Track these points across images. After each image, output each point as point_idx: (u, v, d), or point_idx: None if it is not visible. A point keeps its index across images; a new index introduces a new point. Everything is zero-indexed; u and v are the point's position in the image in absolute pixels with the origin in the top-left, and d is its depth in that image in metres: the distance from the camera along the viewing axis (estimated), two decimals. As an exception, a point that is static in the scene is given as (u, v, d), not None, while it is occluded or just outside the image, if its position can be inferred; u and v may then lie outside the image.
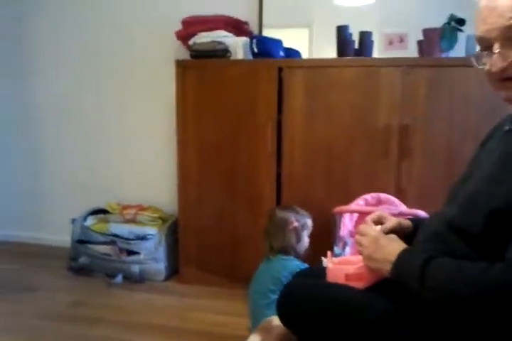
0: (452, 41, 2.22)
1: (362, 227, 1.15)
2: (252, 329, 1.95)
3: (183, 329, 2.10)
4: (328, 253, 1.26)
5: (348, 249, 2.08)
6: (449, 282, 0.91)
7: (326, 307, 1.06)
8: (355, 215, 2.18)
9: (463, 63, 2.14)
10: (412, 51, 2.42)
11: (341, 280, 1.13)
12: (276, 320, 1.14)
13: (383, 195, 2.16)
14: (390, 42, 2.56)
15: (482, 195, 0.96)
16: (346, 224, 2.15)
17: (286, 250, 1.97)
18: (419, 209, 2.03)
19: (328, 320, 1.04)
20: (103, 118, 3.08)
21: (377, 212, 1.22)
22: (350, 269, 1.13)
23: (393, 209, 1.89)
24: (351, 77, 2.28)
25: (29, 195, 3.27)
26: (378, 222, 1.19)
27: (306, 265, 1.96)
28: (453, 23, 2.23)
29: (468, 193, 1.02)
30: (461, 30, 2.21)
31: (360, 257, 1.13)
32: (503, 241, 0.90)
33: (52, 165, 3.21)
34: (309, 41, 2.68)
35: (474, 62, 1.03)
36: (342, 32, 2.41)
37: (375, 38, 2.43)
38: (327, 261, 1.22)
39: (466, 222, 0.97)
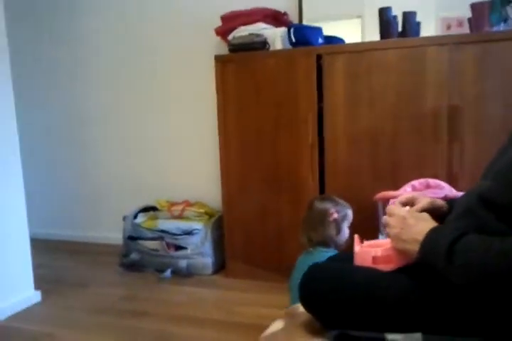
0: (502, 15, 2.08)
1: (389, 208, 1.08)
2: None
3: (230, 323, 2.08)
4: (356, 236, 1.19)
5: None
6: (478, 258, 0.84)
7: (347, 289, 0.99)
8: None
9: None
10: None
11: (368, 264, 1.06)
12: (301, 307, 1.08)
13: (432, 181, 2.04)
14: (448, 27, 2.43)
15: None
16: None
17: (325, 242, 1.90)
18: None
19: (349, 302, 0.98)
20: (147, 118, 3.15)
21: (407, 194, 1.14)
22: (378, 251, 1.06)
23: (439, 192, 1.77)
24: (395, 60, 2.18)
25: (83, 196, 3.40)
26: (408, 203, 1.12)
27: None
28: (502, -5, 2.08)
29: (500, 167, 0.96)
30: (511, 2, 2.05)
31: (389, 240, 1.05)
32: None
33: (103, 166, 3.32)
34: (362, 32, 2.59)
35: None
36: (385, 13, 2.32)
37: (432, 23, 2.33)
38: (355, 245, 1.15)
39: (497, 195, 0.91)
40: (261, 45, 2.48)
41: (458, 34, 2.17)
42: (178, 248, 2.66)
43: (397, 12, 2.31)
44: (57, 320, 2.17)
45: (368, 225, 2.05)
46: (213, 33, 2.70)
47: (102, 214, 3.35)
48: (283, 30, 2.48)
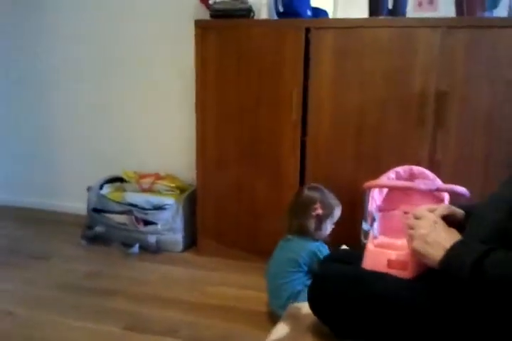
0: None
1: (418, 210, 1.03)
2: (271, 306, 1.88)
3: (204, 304, 2.02)
4: (370, 233, 1.14)
5: (376, 225, 1.95)
6: (509, 276, 0.80)
7: (362, 301, 0.93)
8: (385, 189, 2.04)
9: (508, 23, 1.97)
10: (441, 13, 2.27)
11: (382, 266, 1.01)
12: (305, 308, 1.03)
13: (416, 168, 2.01)
14: (420, 4, 2.38)
15: None
16: (375, 198, 2.01)
17: (303, 232, 1.87)
18: (454, 182, 1.89)
19: (368, 315, 0.93)
20: (119, 83, 2.94)
21: (426, 205, 1.08)
22: (393, 255, 1.01)
23: (430, 184, 1.74)
24: (385, 39, 2.10)
25: (43, 160, 3.20)
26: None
27: (325, 246, 1.86)
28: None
29: None
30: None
31: (405, 242, 1.00)
32: None
33: (68, 130, 3.11)
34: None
35: None
36: (375, -11, 2.21)
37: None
38: (367, 241, 1.10)
39: None
40: (246, 12, 2.34)
41: (451, 17, 2.10)
42: (148, 223, 2.55)
43: None
44: (17, 297, 2.04)
45: (348, 210, 2.01)
46: (193, -3, 2.51)
47: (65, 181, 3.16)
48: (269, -3, 2.34)
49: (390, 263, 1.00)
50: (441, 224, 0.98)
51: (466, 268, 0.84)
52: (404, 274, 0.99)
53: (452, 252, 0.89)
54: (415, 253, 0.96)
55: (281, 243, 1.91)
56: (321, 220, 1.86)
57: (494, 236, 0.90)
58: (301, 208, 1.87)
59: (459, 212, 1.08)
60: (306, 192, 1.90)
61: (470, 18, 2.05)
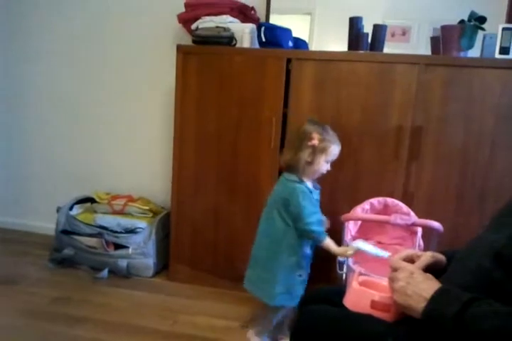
0: (472, 40, 2.12)
1: (394, 261, 1.04)
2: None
3: (177, 334, 1.97)
4: (356, 270, 1.15)
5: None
6: (489, 332, 0.81)
7: None
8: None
9: (482, 64, 2.06)
10: (414, 45, 2.41)
11: (364, 306, 1.02)
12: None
13: (390, 200, 2.05)
14: (393, 35, 2.47)
15: None
16: (350, 228, 2.04)
17: (294, 166, 1.81)
18: (427, 214, 1.95)
19: None
20: (97, 104, 2.90)
21: (406, 251, 1.10)
22: (377, 296, 1.02)
23: (406, 219, 1.78)
24: (364, 73, 2.15)
25: (13, 178, 3.09)
26: (408, 260, 1.08)
27: (306, 191, 1.82)
28: (473, 21, 2.12)
29: None
30: (482, 29, 2.10)
31: (386, 283, 1.01)
32: None
33: (39, 148, 3.03)
34: (310, 29, 2.57)
35: None
36: (355, 24, 2.28)
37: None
38: (353, 279, 1.11)
39: None
40: (228, 40, 2.35)
41: (429, 55, 2.19)
42: (118, 246, 2.49)
43: (346, 16, 2.29)
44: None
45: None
46: (175, 20, 2.52)
47: (34, 200, 3.06)
48: (251, 26, 2.37)
49: (373, 303, 1.01)
50: (419, 274, 0.98)
51: (448, 321, 0.85)
52: (387, 316, 1.00)
53: (432, 304, 0.89)
54: (398, 305, 0.97)
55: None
56: (315, 152, 1.79)
57: (478, 283, 0.91)
58: (298, 140, 1.80)
59: (442, 258, 1.09)
60: (307, 123, 1.84)
61: (446, 56, 2.14)
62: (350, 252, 1.73)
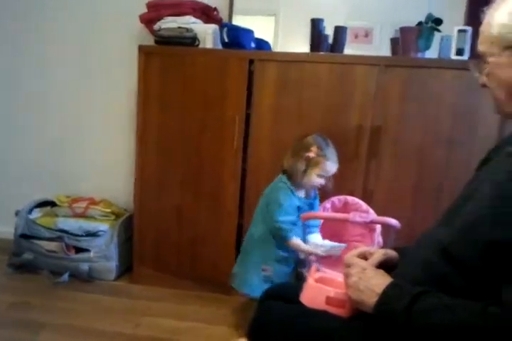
0: (429, 41, 2.18)
1: (347, 258, 1.06)
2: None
3: (140, 337, 1.94)
4: (313, 267, 1.16)
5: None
6: (438, 326, 0.84)
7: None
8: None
9: (439, 65, 2.12)
10: (376, 46, 2.45)
11: (320, 302, 1.03)
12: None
13: (350, 198, 2.09)
14: (356, 36, 2.51)
15: (484, 224, 0.86)
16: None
17: (289, 172, 1.91)
18: (386, 211, 1.98)
19: None
20: (57, 103, 2.83)
21: (359, 248, 1.12)
22: (332, 292, 1.03)
23: (364, 216, 1.81)
24: (325, 74, 2.18)
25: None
26: (361, 256, 1.09)
27: (289, 197, 1.88)
28: (430, 23, 2.19)
29: (467, 218, 0.92)
30: (438, 30, 2.16)
31: (343, 280, 1.03)
32: (500, 277, 0.82)
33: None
34: (274, 30, 2.59)
35: None
36: (316, 25, 2.32)
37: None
38: (309, 275, 1.12)
39: (463, 251, 0.88)
40: (191, 40, 2.34)
41: (388, 56, 2.24)
42: (80, 250, 2.44)
43: (308, 17, 2.32)
44: None
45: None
46: (136, 20, 2.50)
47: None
48: (214, 27, 2.37)
49: (328, 300, 1.02)
50: (371, 269, 1.00)
51: (398, 315, 0.87)
52: (342, 312, 1.01)
53: (383, 299, 0.91)
54: (352, 301, 0.99)
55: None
56: (309, 164, 1.85)
57: (427, 278, 0.92)
58: (298, 149, 1.89)
59: (394, 255, 1.11)
60: (311, 136, 1.91)
61: (405, 57, 2.19)
62: (322, 249, 1.76)
